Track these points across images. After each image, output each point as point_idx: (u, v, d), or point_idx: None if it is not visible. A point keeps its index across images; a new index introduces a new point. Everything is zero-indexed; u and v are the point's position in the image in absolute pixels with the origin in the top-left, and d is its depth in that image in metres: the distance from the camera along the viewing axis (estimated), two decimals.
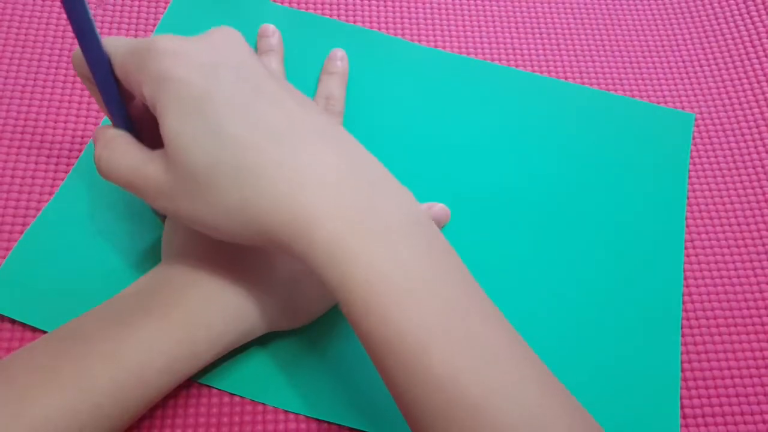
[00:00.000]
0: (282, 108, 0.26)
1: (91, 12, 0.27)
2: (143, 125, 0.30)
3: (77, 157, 0.38)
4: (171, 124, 0.26)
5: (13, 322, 0.33)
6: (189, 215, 0.27)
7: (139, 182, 0.27)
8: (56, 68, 0.40)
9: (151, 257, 0.35)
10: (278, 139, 0.25)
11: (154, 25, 0.43)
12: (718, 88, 0.44)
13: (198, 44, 0.27)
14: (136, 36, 0.42)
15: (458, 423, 0.23)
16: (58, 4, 0.43)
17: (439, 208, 0.37)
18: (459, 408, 0.23)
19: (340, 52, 0.42)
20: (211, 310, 0.29)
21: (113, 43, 0.28)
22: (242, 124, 0.25)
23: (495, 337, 0.25)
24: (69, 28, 0.42)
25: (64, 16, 0.42)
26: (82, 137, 0.38)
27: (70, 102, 0.39)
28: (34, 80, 0.40)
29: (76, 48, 0.28)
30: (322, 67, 0.42)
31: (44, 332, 0.33)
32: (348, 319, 0.25)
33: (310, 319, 0.33)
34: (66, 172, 0.37)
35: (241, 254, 0.31)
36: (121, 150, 0.28)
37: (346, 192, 0.25)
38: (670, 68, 0.45)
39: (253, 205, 0.25)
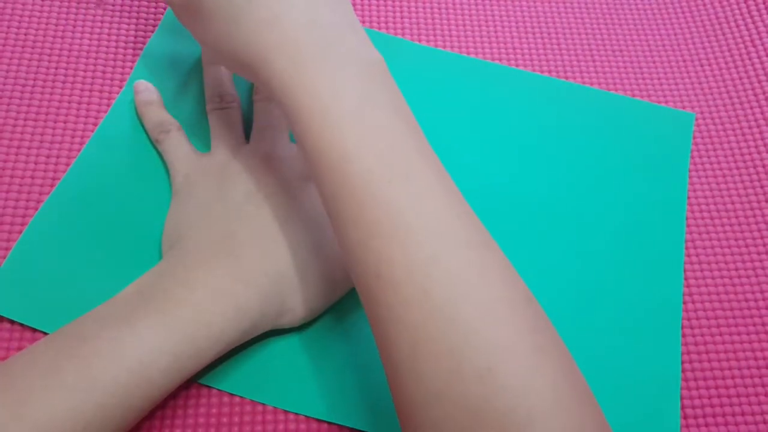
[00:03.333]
0: None
1: None
2: None
3: (76, 157, 0.38)
4: None
5: (12, 322, 0.33)
6: (197, 33, 0.32)
7: None
8: (56, 68, 0.40)
9: (150, 256, 0.35)
10: None
11: (154, 26, 0.43)
12: (718, 87, 0.44)
13: None
14: (135, 35, 0.42)
15: (366, 224, 0.26)
16: (58, 3, 0.43)
17: None
18: (365, 221, 0.26)
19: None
20: (212, 308, 0.30)
21: None
22: None
23: (420, 164, 0.27)
24: (68, 27, 0.42)
25: (65, 15, 0.42)
26: (82, 137, 0.38)
27: (69, 101, 0.39)
28: (34, 80, 0.40)
29: None
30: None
31: (44, 333, 0.33)
32: (298, 142, 0.28)
33: (310, 316, 0.33)
34: (65, 172, 0.37)
35: (241, 251, 0.31)
36: None
37: (311, 31, 0.28)
38: (670, 67, 0.45)
39: (234, 36, 0.30)
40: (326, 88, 0.27)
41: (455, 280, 0.25)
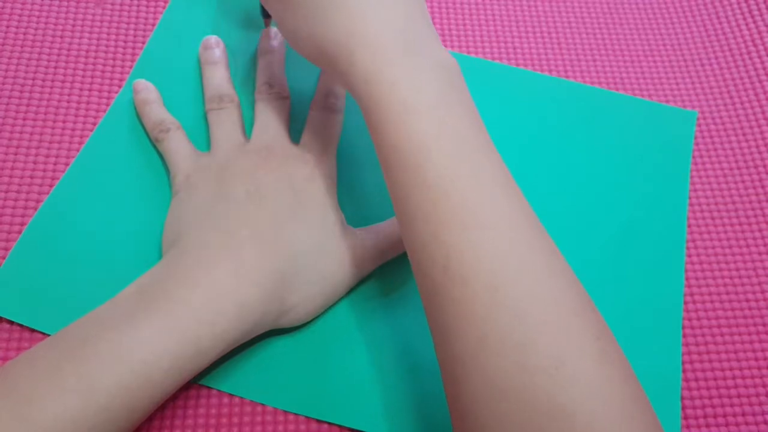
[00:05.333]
0: None
1: None
2: None
3: (75, 157, 0.37)
4: None
5: (12, 322, 0.33)
6: (277, 14, 0.33)
7: None
8: (55, 68, 0.40)
9: (151, 256, 0.35)
10: None
11: (154, 25, 0.43)
12: (719, 86, 0.44)
13: None
14: (135, 35, 0.42)
15: (438, 217, 0.26)
16: (58, 3, 0.43)
17: None
18: (438, 216, 0.26)
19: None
20: (213, 308, 0.29)
21: None
22: None
23: (492, 167, 0.28)
24: (68, 27, 0.42)
25: (64, 15, 0.42)
26: (81, 136, 0.38)
27: (69, 101, 0.39)
28: (33, 80, 0.40)
29: None
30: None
31: (43, 333, 0.33)
32: (371, 132, 0.29)
33: (310, 316, 0.33)
34: (65, 172, 0.37)
35: (242, 251, 0.31)
36: None
37: (395, 29, 0.29)
38: (671, 66, 0.45)
39: (317, 24, 0.30)
40: (408, 84, 0.28)
41: (524, 278, 0.25)
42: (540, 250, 0.26)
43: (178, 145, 0.37)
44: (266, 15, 0.41)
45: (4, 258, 0.34)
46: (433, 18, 0.45)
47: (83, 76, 0.40)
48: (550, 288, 0.25)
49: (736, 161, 0.41)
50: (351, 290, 0.35)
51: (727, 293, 0.37)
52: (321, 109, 0.38)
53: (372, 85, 0.28)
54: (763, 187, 0.40)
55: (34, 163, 0.37)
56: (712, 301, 0.37)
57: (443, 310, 0.26)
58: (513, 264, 0.25)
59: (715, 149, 0.42)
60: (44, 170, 0.37)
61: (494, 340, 0.25)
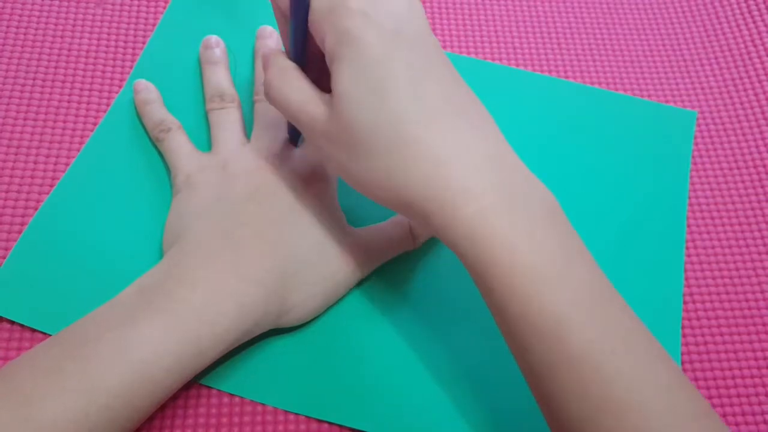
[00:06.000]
0: (443, 86, 0.28)
1: None
2: (313, 65, 0.31)
3: (76, 157, 0.37)
4: (343, 81, 0.27)
5: (12, 322, 0.33)
6: (339, 164, 0.29)
7: (303, 117, 0.29)
8: (56, 68, 0.40)
9: (151, 256, 0.35)
10: (434, 117, 0.27)
11: (154, 25, 0.43)
12: (719, 86, 0.44)
13: (383, 8, 0.28)
14: (135, 35, 0.42)
15: (592, 400, 0.25)
16: (58, 3, 0.43)
17: None
18: (592, 384, 0.25)
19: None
20: (215, 307, 0.30)
21: None
22: (406, 98, 0.27)
23: (631, 324, 0.26)
24: (68, 27, 0.42)
25: (64, 15, 0.42)
26: (81, 136, 0.38)
27: (69, 101, 0.39)
28: (33, 80, 0.40)
29: None
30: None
31: (44, 333, 0.33)
32: (485, 295, 0.27)
33: (311, 315, 0.33)
34: (65, 172, 0.37)
35: (243, 250, 0.31)
36: (294, 84, 0.30)
37: (491, 176, 0.27)
38: (671, 66, 0.45)
39: (399, 175, 0.27)
40: (527, 246, 0.26)
41: None
42: (700, 419, 0.25)
43: (179, 145, 0.37)
44: (294, 141, 0.36)
45: (4, 258, 0.34)
46: (432, 19, 0.45)
47: (83, 76, 0.40)
48: None
49: (736, 161, 0.41)
50: (351, 290, 0.35)
51: (727, 293, 0.37)
52: None
53: (482, 248, 0.26)
54: (762, 186, 0.40)
55: (35, 163, 0.37)
56: (711, 301, 0.37)
57: None
58: None
59: (715, 149, 0.42)
60: (44, 170, 0.37)
61: None
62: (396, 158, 0.27)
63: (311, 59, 0.31)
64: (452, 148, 0.27)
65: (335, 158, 0.29)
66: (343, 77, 0.27)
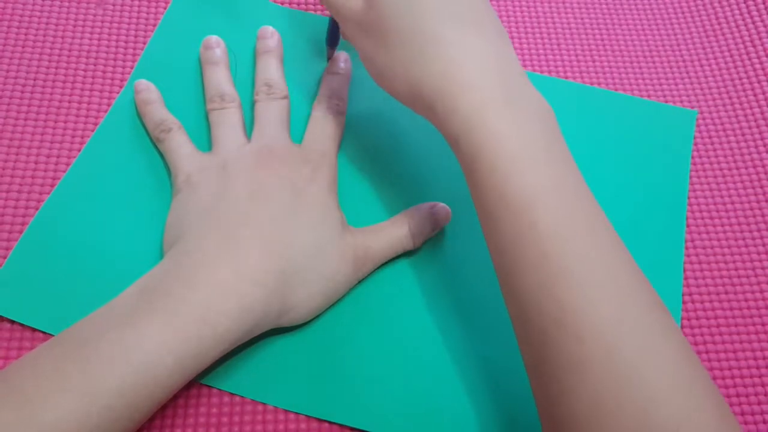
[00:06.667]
0: None
1: None
2: None
3: (76, 157, 0.38)
4: None
5: (12, 322, 0.33)
6: (366, 53, 0.33)
7: (342, 9, 0.33)
8: (56, 68, 0.40)
9: (152, 256, 0.35)
10: (456, 20, 0.30)
11: (154, 25, 0.43)
12: (718, 86, 0.44)
13: None
14: (135, 35, 0.42)
15: (551, 268, 0.26)
16: (59, 3, 0.43)
17: (440, 207, 0.37)
18: (551, 269, 0.26)
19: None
20: (215, 307, 0.30)
21: None
22: (434, 1, 0.31)
23: (597, 214, 0.28)
24: (68, 28, 0.42)
25: (65, 15, 0.42)
26: (82, 137, 0.38)
27: (69, 102, 0.39)
28: (34, 80, 0.40)
29: None
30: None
31: (44, 333, 0.33)
32: (469, 177, 0.29)
33: (311, 315, 0.33)
34: (65, 172, 0.37)
35: (243, 250, 0.31)
36: None
37: (494, 77, 0.29)
38: (670, 66, 0.45)
39: (415, 68, 0.30)
40: (514, 135, 0.28)
41: (640, 339, 0.25)
42: (655, 309, 0.26)
43: (180, 145, 0.37)
44: (332, 44, 0.41)
45: (5, 258, 0.34)
46: None
47: (84, 77, 0.40)
48: (665, 350, 0.25)
49: (735, 161, 0.41)
50: (351, 290, 0.35)
51: (726, 293, 0.37)
52: (324, 110, 0.38)
53: (475, 134, 0.28)
54: (762, 186, 0.40)
55: (35, 163, 0.37)
56: (711, 301, 0.37)
57: (556, 361, 0.26)
58: (628, 324, 0.25)
59: (714, 149, 0.42)
60: (45, 170, 0.37)
61: (611, 401, 0.25)
62: (416, 51, 0.30)
63: None
64: (466, 50, 0.30)
65: (364, 47, 0.33)
66: None
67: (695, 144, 0.42)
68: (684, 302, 0.37)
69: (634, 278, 0.27)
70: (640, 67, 0.45)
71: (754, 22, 0.46)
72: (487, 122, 0.28)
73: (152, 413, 0.29)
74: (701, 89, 0.44)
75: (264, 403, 0.32)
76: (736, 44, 0.45)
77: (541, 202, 0.27)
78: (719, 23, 0.46)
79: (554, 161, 0.28)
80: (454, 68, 0.29)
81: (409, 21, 0.30)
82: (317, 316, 0.34)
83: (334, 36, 0.41)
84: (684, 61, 0.45)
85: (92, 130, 0.39)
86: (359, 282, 0.35)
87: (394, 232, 0.35)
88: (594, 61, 0.45)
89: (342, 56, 0.41)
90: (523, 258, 0.27)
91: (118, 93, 0.40)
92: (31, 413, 0.26)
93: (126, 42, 0.42)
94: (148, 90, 0.39)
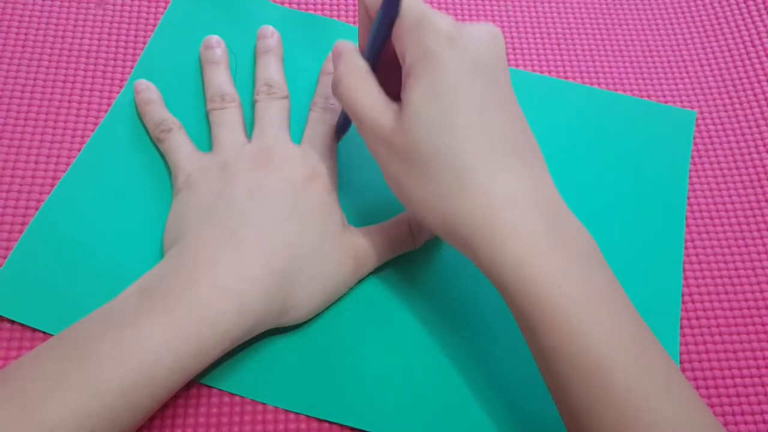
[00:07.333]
0: (507, 121, 0.29)
1: None
2: (383, 70, 0.31)
3: (76, 157, 0.38)
4: (417, 98, 0.28)
5: (12, 322, 0.33)
6: (393, 175, 0.30)
7: (367, 122, 0.30)
8: (56, 68, 0.40)
9: (152, 255, 0.35)
10: (494, 151, 0.28)
11: (154, 25, 0.43)
12: (718, 86, 0.44)
13: (469, 36, 0.29)
14: (135, 35, 0.42)
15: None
16: (59, 3, 0.43)
17: None
18: (632, 426, 0.25)
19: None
20: (216, 307, 0.30)
21: (408, 3, 0.29)
22: (472, 128, 0.28)
23: (668, 365, 0.27)
24: (69, 28, 0.42)
25: (65, 15, 0.42)
26: (82, 137, 0.38)
27: (70, 102, 0.39)
28: (34, 80, 0.40)
29: None
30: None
31: (44, 333, 0.33)
32: (526, 331, 0.28)
33: (311, 314, 0.33)
34: (65, 172, 0.37)
35: (244, 249, 0.31)
36: (365, 86, 0.30)
37: (539, 216, 0.28)
38: (670, 67, 0.45)
39: (450, 202, 0.28)
40: (569, 281, 0.26)
41: None
42: None
43: (180, 145, 0.37)
44: (342, 130, 0.37)
45: (5, 258, 0.34)
46: None
47: (84, 77, 0.40)
48: None
49: (735, 161, 0.41)
50: (351, 289, 0.35)
51: (726, 293, 0.37)
52: (322, 110, 0.38)
53: (528, 285, 0.27)
54: (761, 186, 0.40)
55: (35, 163, 0.37)
56: (710, 301, 0.37)
57: None
58: None
59: (714, 149, 0.42)
60: (45, 170, 0.37)
61: None
62: (452, 184, 0.28)
63: (382, 63, 0.31)
64: (506, 185, 0.28)
65: (390, 169, 0.30)
66: (416, 94, 0.28)
67: (695, 144, 0.42)
68: (684, 302, 0.37)
69: (709, 423, 0.26)
70: (640, 67, 0.45)
71: (754, 22, 0.46)
72: (540, 271, 0.26)
73: (152, 413, 0.29)
74: (701, 89, 0.44)
75: (264, 403, 0.32)
76: (736, 44, 0.45)
77: (614, 363, 0.25)
78: (719, 23, 0.46)
79: (611, 305, 0.27)
80: (495, 209, 0.27)
81: (444, 150, 0.28)
82: (317, 316, 0.34)
83: (344, 127, 0.37)
84: (684, 61, 0.45)
85: (92, 130, 0.39)
86: (359, 282, 0.35)
87: (394, 232, 0.35)
88: (594, 61, 0.45)
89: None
90: (604, 424, 0.25)
91: (118, 93, 0.40)
92: (31, 413, 0.26)
93: (126, 42, 0.42)
94: (148, 90, 0.39)
